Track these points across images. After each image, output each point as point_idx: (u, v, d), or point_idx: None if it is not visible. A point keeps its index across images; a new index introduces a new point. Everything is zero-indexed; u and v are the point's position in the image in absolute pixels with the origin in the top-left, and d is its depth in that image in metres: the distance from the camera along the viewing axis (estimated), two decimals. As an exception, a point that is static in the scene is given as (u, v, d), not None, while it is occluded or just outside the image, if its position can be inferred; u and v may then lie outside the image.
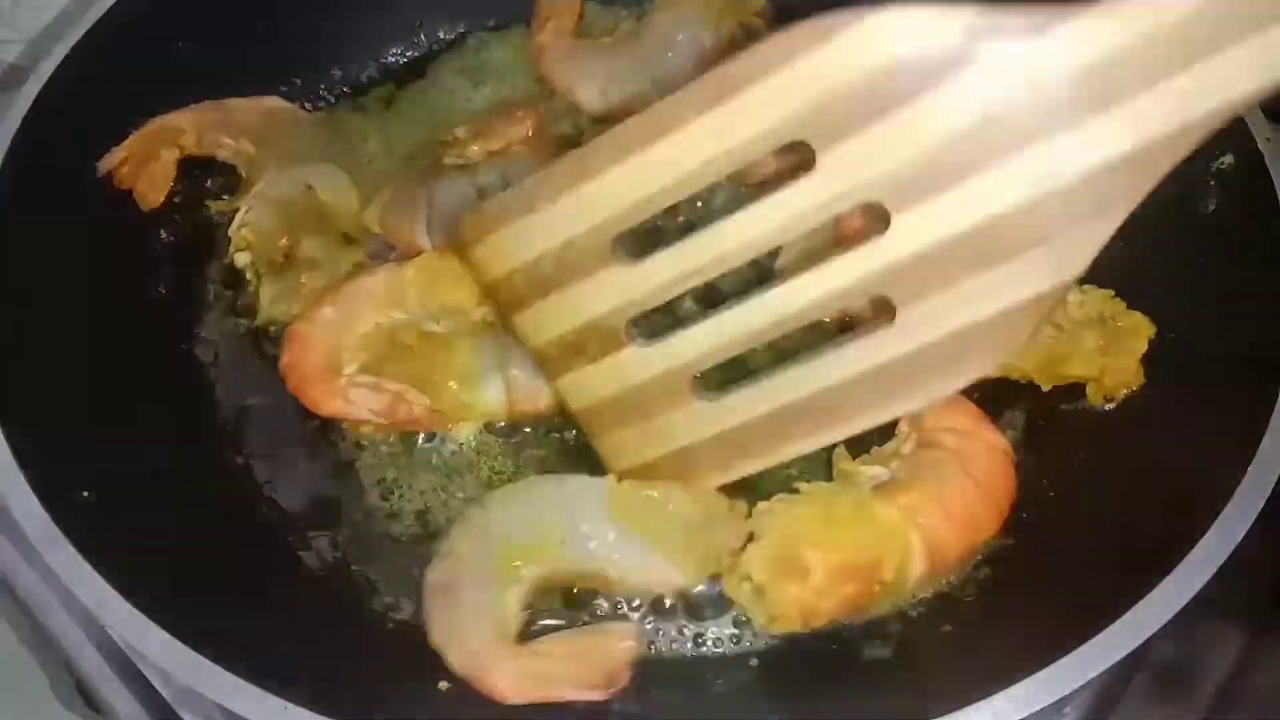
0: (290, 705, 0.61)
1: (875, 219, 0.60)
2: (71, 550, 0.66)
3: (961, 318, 0.60)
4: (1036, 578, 0.76)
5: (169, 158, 0.93)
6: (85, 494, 0.71)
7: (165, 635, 0.63)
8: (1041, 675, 0.61)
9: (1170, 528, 0.68)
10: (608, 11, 1.10)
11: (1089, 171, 0.55)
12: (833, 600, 0.72)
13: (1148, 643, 0.62)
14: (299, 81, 1.05)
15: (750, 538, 0.74)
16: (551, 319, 0.71)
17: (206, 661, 0.62)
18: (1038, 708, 0.61)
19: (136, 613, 0.64)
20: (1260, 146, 0.80)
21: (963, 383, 0.63)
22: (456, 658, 0.71)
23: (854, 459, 0.79)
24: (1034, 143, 0.55)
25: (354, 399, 0.82)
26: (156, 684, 0.77)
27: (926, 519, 0.74)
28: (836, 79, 0.57)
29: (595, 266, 0.67)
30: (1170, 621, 0.63)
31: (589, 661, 0.72)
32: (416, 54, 1.10)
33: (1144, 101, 0.53)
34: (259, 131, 0.98)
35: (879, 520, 0.74)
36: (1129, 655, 0.62)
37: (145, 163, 0.91)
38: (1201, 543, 0.65)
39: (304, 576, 0.79)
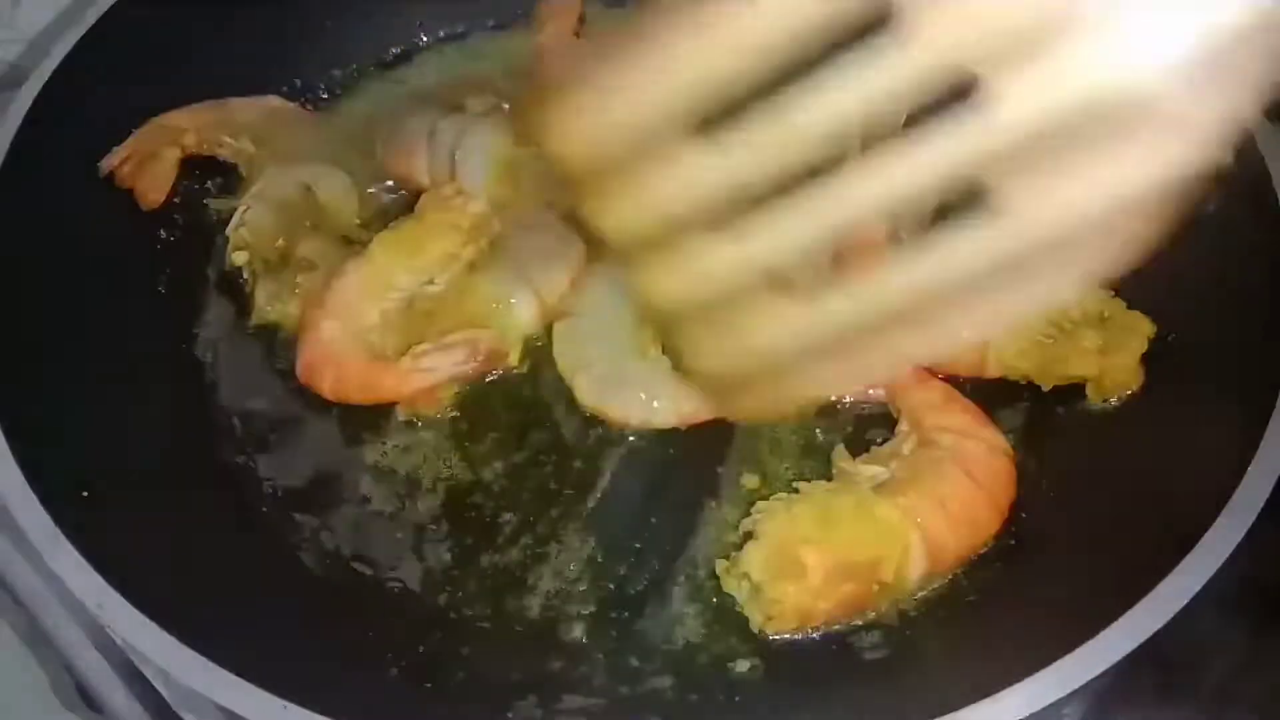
0: (290, 705, 0.61)
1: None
2: (71, 550, 0.66)
3: (1073, 207, 0.52)
4: (1036, 578, 0.76)
5: (170, 157, 0.93)
6: (85, 494, 0.71)
7: (165, 635, 0.63)
8: (1041, 675, 0.61)
9: (1170, 527, 0.68)
10: (608, 12, 1.10)
11: (1215, 32, 0.46)
12: (830, 600, 0.72)
13: (1148, 642, 0.62)
14: (299, 81, 1.05)
15: (749, 536, 0.74)
16: (629, 211, 0.62)
17: (206, 661, 0.62)
18: (1038, 708, 0.61)
19: (136, 613, 0.64)
20: (1260, 146, 0.80)
21: (1077, 287, 0.54)
22: None
23: (854, 458, 0.79)
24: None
25: (430, 365, 0.85)
26: (156, 684, 0.77)
27: (927, 519, 0.74)
28: None
29: (671, 148, 0.58)
30: (1170, 621, 0.63)
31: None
32: (417, 53, 1.10)
33: None
34: (259, 131, 0.98)
35: (878, 520, 0.73)
36: (1129, 655, 0.62)
37: (146, 162, 0.91)
38: (1202, 543, 0.65)
39: (304, 576, 0.79)
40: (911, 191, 0.54)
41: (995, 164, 0.52)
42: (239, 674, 0.62)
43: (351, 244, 0.92)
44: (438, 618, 0.77)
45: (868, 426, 0.84)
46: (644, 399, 0.84)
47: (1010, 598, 0.76)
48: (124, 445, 0.78)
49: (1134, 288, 0.83)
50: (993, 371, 0.85)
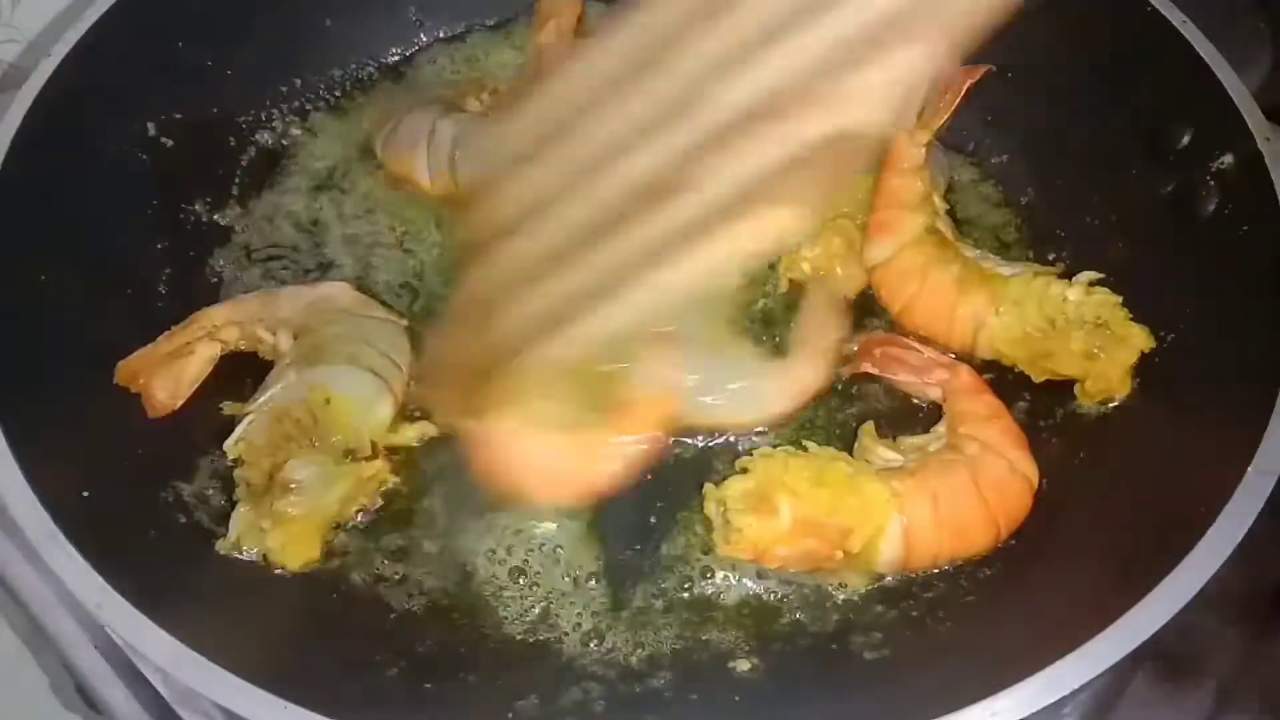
0: (290, 705, 0.61)
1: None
2: (71, 550, 0.66)
3: (744, 173, 0.60)
4: (1036, 577, 0.76)
5: (205, 354, 0.83)
6: (85, 494, 0.71)
7: (165, 635, 0.63)
8: (1041, 675, 0.61)
9: (1170, 527, 0.68)
10: (609, 11, 1.10)
11: (861, 22, 0.55)
12: (790, 548, 0.74)
13: (1148, 642, 0.62)
14: (299, 81, 1.05)
15: (742, 471, 0.76)
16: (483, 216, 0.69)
17: (206, 661, 0.62)
18: (1038, 708, 0.61)
19: (136, 613, 0.64)
20: (1260, 146, 0.80)
21: (769, 229, 0.61)
22: None
23: (881, 440, 0.81)
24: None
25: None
26: (156, 684, 0.77)
27: (912, 508, 0.75)
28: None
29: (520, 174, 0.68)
30: (1170, 621, 0.63)
31: None
32: (417, 53, 1.10)
33: None
34: (301, 323, 0.87)
35: (864, 493, 0.75)
36: (1129, 655, 0.62)
37: (171, 361, 0.82)
38: (1201, 542, 0.65)
39: (304, 577, 0.78)
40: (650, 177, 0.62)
41: (702, 153, 0.60)
42: (239, 674, 0.62)
43: (359, 460, 0.81)
44: (438, 618, 0.77)
45: (905, 421, 0.85)
46: (740, 402, 0.84)
47: (1010, 598, 0.76)
48: (124, 445, 0.78)
49: (1133, 288, 0.83)
50: (982, 352, 0.85)
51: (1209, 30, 0.85)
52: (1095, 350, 0.81)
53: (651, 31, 0.62)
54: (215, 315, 0.86)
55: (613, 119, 0.64)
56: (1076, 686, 0.61)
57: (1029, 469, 0.79)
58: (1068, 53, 0.93)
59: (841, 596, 0.78)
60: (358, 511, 0.81)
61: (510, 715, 0.68)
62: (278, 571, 0.77)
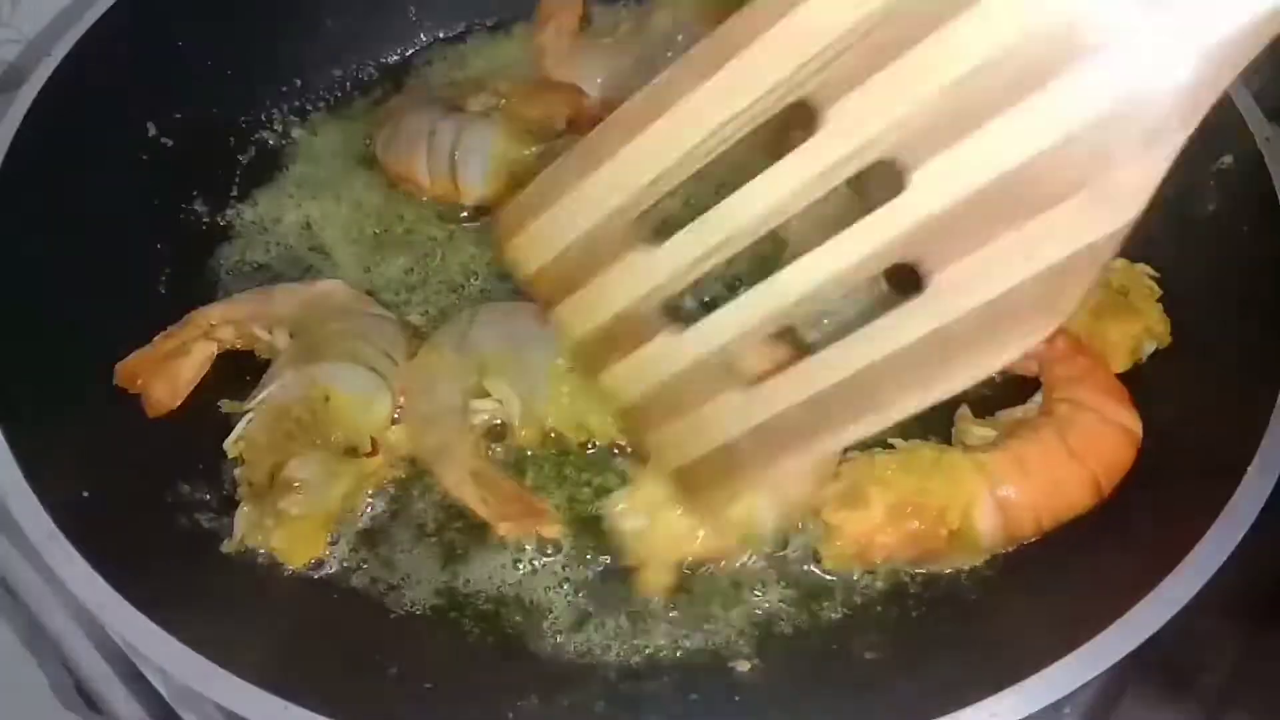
0: (290, 705, 0.61)
1: (895, 180, 0.56)
2: (71, 550, 0.66)
3: (999, 280, 0.54)
4: (1036, 577, 0.76)
5: (202, 354, 0.83)
6: (85, 494, 0.71)
7: (165, 635, 0.63)
8: (1041, 675, 0.61)
9: (1170, 527, 0.68)
10: (609, 11, 1.10)
11: (1129, 96, 0.50)
12: (892, 537, 0.75)
13: (1148, 642, 0.62)
14: (299, 81, 1.05)
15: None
16: (585, 311, 0.68)
17: (206, 661, 0.62)
18: (1038, 708, 0.61)
19: (136, 613, 0.64)
20: (1260, 146, 0.80)
21: (1011, 353, 0.56)
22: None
23: (977, 418, 0.81)
24: (1060, 72, 0.50)
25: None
26: (156, 684, 0.77)
27: (1000, 475, 0.75)
28: (833, 26, 0.53)
29: (619, 252, 0.64)
30: (1170, 621, 0.63)
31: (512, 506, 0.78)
32: (416, 53, 1.10)
33: (1195, 3, 0.47)
34: (298, 321, 0.86)
35: (952, 469, 0.76)
36: (1129, 655, 0.62)
37: (169, 361, 0.81)
38: (1201, 543, 0.65)
39: (304, 576, 0.78)
40: (844, 277, 0.58)
41: (921, 243, 0.55)
42: (239, 674, 0.62)
43: (359, 457, 0.80)
44: (438, 618, 0.77)
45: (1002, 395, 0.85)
46: None
47: (1010, 597, 0.76)
48: (124, 445, 0.78)
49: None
50: (1045, 336, 0.85)
51: (1209, 30, 0.85)
52: (1103, 313, 0.82)
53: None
54: (210, 314, 0.86)
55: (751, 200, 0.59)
56: (1076, 686, 0.61)
57: (1124, 418, 0.79)
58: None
59: (841, 596, 0.78)
60: (360, 508, 0.81)
61: (510, 715, 0.68)
62: (280, 570, 0.77)
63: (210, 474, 0.81)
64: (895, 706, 0.66)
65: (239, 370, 0.86)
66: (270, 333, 0.86)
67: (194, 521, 0.78)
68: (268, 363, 0.85)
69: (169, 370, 0.82)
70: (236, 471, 0.80)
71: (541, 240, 0.68)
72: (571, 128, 0.97)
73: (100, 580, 0.65)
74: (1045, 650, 0.62)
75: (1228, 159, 0.82)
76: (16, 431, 0.69)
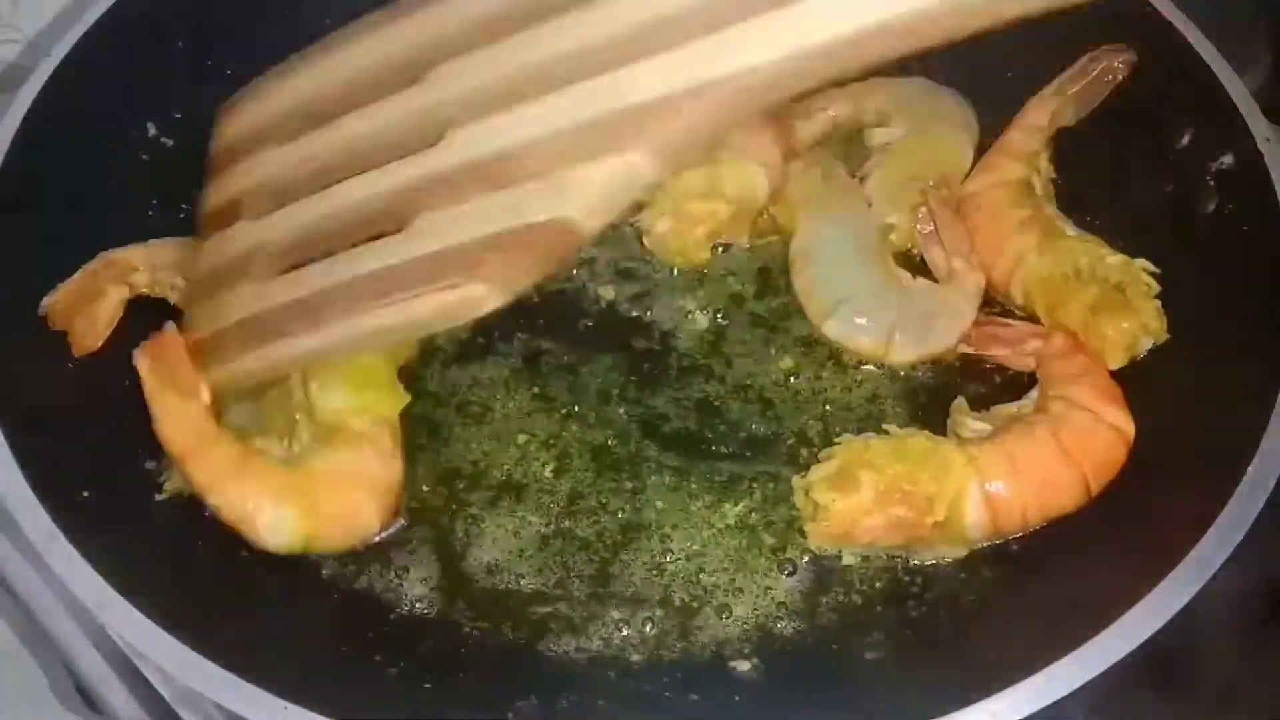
0: (290, 705, 0.61)
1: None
2: (71, 550, 0.66)
3: (460, 233, 0.66)
4: (1037, 578, 0.76)
5: (116, 296, 0.83)
6: (85, 494, 0.71)
7: (165, 635, 0.63)
8: (1041, 675, 0.61)
9: (1170, 527, 0.68)
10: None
11: (605, 113, 0.62)
12: (878, 521, 0.76)
13: (1148, 642, 0.62)
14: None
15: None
16: (220, 190, 0.81)
17: (206, 661, 0.62)
18: (1038, 708, 0.61)
19: (136, 613, 0.64)
20: (1260, 146, 0.80)
21: (443, 305, 0.66)
22: None
23: (972, 412, 0.83)
24: (577, 81, 0.63)
25: None
26: (156, 684, 0.77)
27: (990, 467, 0.76)
28: (461, 14, 0.69)
29: (265, 148, 0.79)
30: (1171, 621, 0.63)
31: None
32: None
33: (669, 57, 0.60)
34: None
35: (943, 461, 0.77)
36: (1129, 655, 0.62)
37: (87, 301, 0.81)
38: (1201, 543, 0.65)
39: (304, 576, 0.78)
40: (370, 202, 0.70)
41: (425, 189, 0.68)
42: (239, 674, 0.62)
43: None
44: (438, 618, 0.77)
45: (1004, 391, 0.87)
46: (892, 333, 0.87)
47: (1010, 598, 0.76)
48: (124, 445, 0.78)
49: (1134, 288, 0.83)
50: (1016, 292, 0.88)
51: (1209, 30, 0.85)
52: (1100, 308, 0.83)
53: (408, 47, 0.71)
54: (126, 256, 0.85)
55: (354, 126, 0.72)
56: (1076, 686, 0.61)
57: (1118, 419, 0.79)
58: (1068, 53, 0.93)
59: (841, 597, 0.78)
60: None
61: (510, 715, 0.68)
62: (280, 571, 0.77)
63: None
64: (895, 706, 0.66)
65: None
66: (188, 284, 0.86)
67: (194, 521, 0.78)
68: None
69: (88, 311, 0.82)
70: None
71: (241, 120, 0.84)
72: None
73: (100, 580, 0.65)
74: (1045, 650, 0.62)
75: (1228, 159, 0.82)
76: (16, 431, 0.69)
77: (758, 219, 0.94)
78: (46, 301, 0.80)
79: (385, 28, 0.73)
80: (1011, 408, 0.83)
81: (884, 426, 0.82)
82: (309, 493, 0.76)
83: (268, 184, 0.76)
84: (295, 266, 0.74)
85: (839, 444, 0.80)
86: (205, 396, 0.77)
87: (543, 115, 0.64)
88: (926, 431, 0.80)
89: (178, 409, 0.76)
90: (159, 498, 0.78)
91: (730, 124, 0.65)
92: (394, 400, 0.82)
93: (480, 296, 0.66)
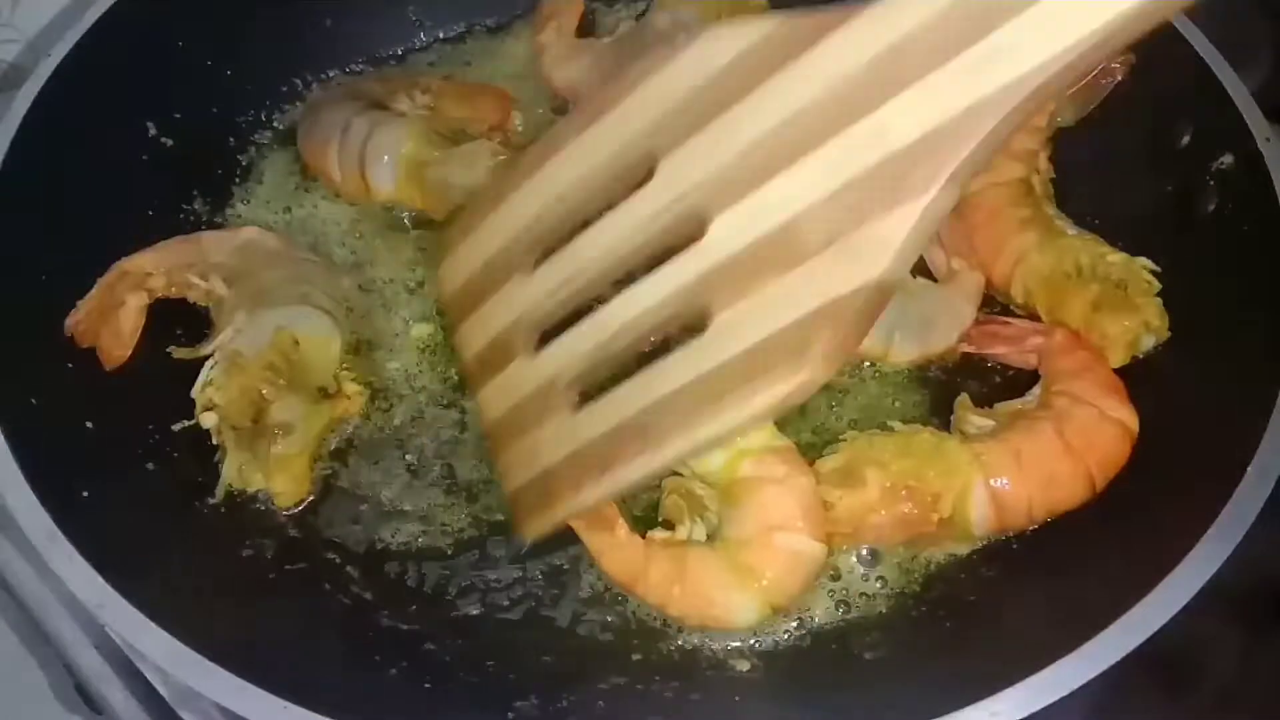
0: (290, 705, 0.61)
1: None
2: (71, 550, 0.66)
3: (770, 323, 0.60)
4: (1036, 577, 0.76)
5: (135, 304, 0.83)
6: (85, 494, 0.71)
7: (165, 635, 0.63)
8: (1041, 675, 0.61)
9: (1170, 527, 0.68)
10: (609, 11, 1.11)
11: (881, 159, 0.55)
12: (885, 518, 0.76)
13: (1148, 642, 0.62)
14: (298, 82, 1.05)
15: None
16: (474, 333, 0.75)
17: (206, 661, 0.62)
18: (1038, 708, 0.61)
19: (136, 613, 0.64)
20: (1260, 146, 0.80)
21: (779, 395, 0.60)
22: None
23: (976, 409, 0.83)
24: (832, 134, 0.57)
25: None
26: (156, 684, 0.77)
27: (996, 464, 0.76)
28: (673, 93, 0.63)
29: (507, 280, 0.72)
30: (1171, 621, 0.63)
31: None
32: (416, 53, 1.10)
33: (933, 81, 0.53)
34: (233, 268, 0.88)
35: (948, 458, 0.77)
36: (1129, 655, 0.62)
37: (109, 313, 0.82)
38: (1201, 542, 0.65)
39: (304, 576, 0.79)
40: (655, 311, 0.65)
41: (710, 286, 0.62)
42: (239, 674, 0.62)
43: (330, 397, 0.84)
44: (438, 618, 0.77)
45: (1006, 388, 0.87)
46: (892, 333, 0.87)
47: (1010, 598, 0.76)
48: (124, 445, 0.78)
49: (1134, 288, 0.83)
50: (1016, 291, 0.89)
51: (1209, 30, 0.85)
52: (1102, 305, 0.83)
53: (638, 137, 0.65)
54: (139, 263, 0.86)
55: (597, 240, 0.67)
56: (1076, 686, 0.61)
57: (1122, 414, 0.79)
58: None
59: (840, 597, 0.78)
60: (328, 445, 0.85)
61: (510, 715, 0.68)
62: (280, 571, 0.77)
63: (213, 474, 0.81)
64: (895, 706, 0.66)
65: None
66: (206, 280, 0.87)
67: (194, 521, 0.78)
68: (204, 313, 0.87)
69: (112, 323, 0.83)
70: (208, 423, 0.81)
71: (459, 262, 0.75)
72: (495, 131, 0.98)
73: (100, 580, 0.65)
74: (1045, 650, 0.62)
75: (1228, 159, 0.82)
76: (16, 431, 0.69)
77: None
78: (70, 321, 0.80)
79: (589, 130, 0.67)
80: (1015, 404, 0.83)
81: (889, 424, 0.82)
82: (748, 563, 0.74)
83: (525, 320, 0.71)
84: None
85: (844, 441, 0.80)
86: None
87: (805, 181, 0.58)
88: (931, 428, 0.80)
89: (610, 543, 0.75)
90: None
91: (1015, 130, 0.55)
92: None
93: (809, 381, 0.59)
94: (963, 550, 0.79)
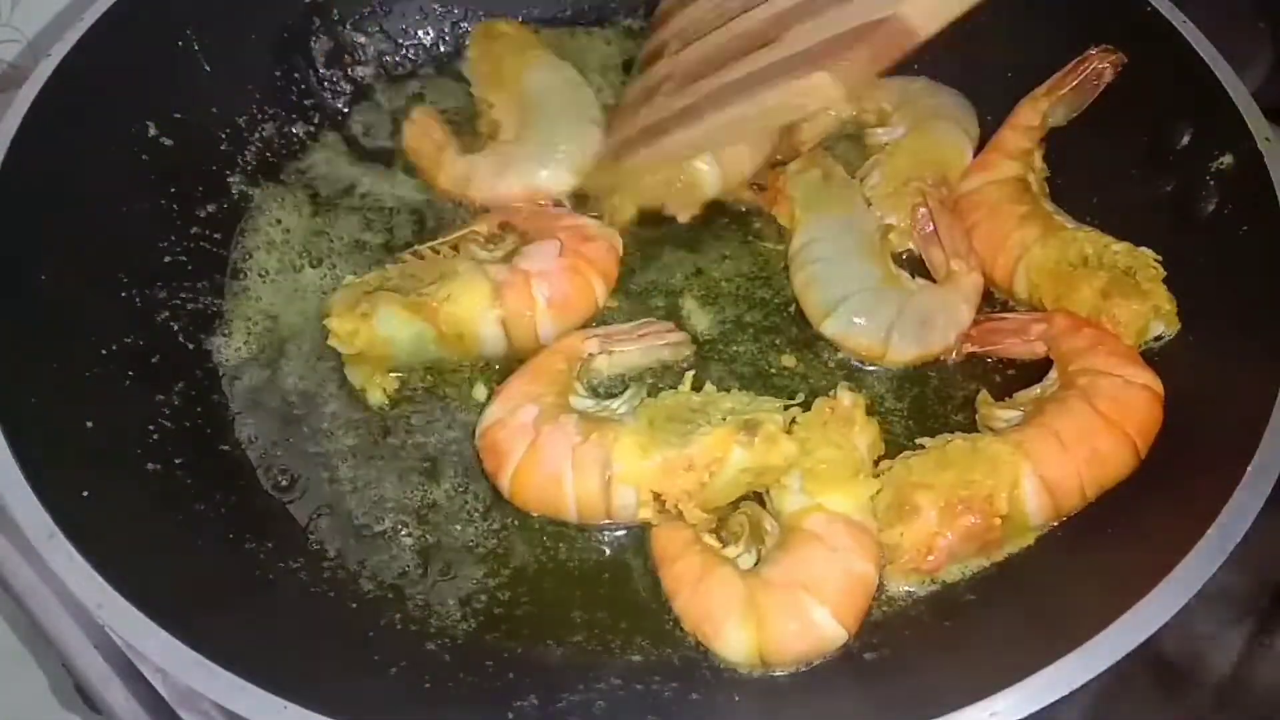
0: (290, 705, 0.61)
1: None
2: (71, 550, 0.66)
3: (817, 35, 0.78)
4: (1036, 578, 0.76)
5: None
6: (85, 494, 0.71)
7: (165, 635, 0.63)
8: (1041, 675, 0.61)
9: (1170, 527, 0.68)
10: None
11: None
12: (951, 538, 0.75)
13: (1148, 642, 0.62)
14: (298, 80, 1.05)
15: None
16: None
17: (206, 661, 0.62)
18: (1037, 708, 0.61)
19: (136, 613, 0.64)
20: (1260, 146, 0.80)
21: (800, 89, 0.78)
22: None
23: (998, 403, 0.83)
24: None
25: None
26: (156, 684, 0.77)
27: (1037, 448, 0.76)
28: None
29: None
30: (1170, 621, 0.63)
31: None
32: (416, 52, 1.10)
33: None
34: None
35: (988, 455, 0.76)
36: (1129, 655, 0.62)
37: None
38: (1201, 542, 0.65)
39: (304, 577, 0.79)
40: (759, 27, 0.85)
41: (799, 9, 0.81)
42: (239, 674, 0.62)
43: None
44: (437, 619, 0.77)
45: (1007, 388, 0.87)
46: (890, 333, 0.87)
47: (1010, 597, 0.76)
48: (124, 445, 0.78)
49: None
50: (1019, 285, 0.89)
51: (1209, 30, 0.85)
52: (1111, 292, 0.83)
53: None
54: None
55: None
56: (1076, 686, 0.61)
57: (1146, 378, 0.79)
58: (1068, 53, 0.93)
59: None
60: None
61: (510, 715, 0.68)
62: (280, 571, 0.77)
63: (213, 474, 0.81)
64: (895, 706, 0.66)
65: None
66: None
67: (194, 522, 0.78)
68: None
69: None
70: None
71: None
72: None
73: (100, 580, 0.65)
74: (1045, 650, 0.62)
75: (1228, 159, 0.82)
76: (16, 431, 0.69)
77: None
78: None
79: None
80: (1034, 391, 0.83)
81: (917, 441, 0.81)
82: (761, 605, 0.73)
83: (682, 32, 0.94)
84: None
85: (883, 473, 0.78)
86: None
87: None
88: (959, 433, 0.80)
89: (669, 523, 0.78)
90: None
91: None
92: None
93: (822, 85, 0.75)
94: (1026, 544, 0.78)
